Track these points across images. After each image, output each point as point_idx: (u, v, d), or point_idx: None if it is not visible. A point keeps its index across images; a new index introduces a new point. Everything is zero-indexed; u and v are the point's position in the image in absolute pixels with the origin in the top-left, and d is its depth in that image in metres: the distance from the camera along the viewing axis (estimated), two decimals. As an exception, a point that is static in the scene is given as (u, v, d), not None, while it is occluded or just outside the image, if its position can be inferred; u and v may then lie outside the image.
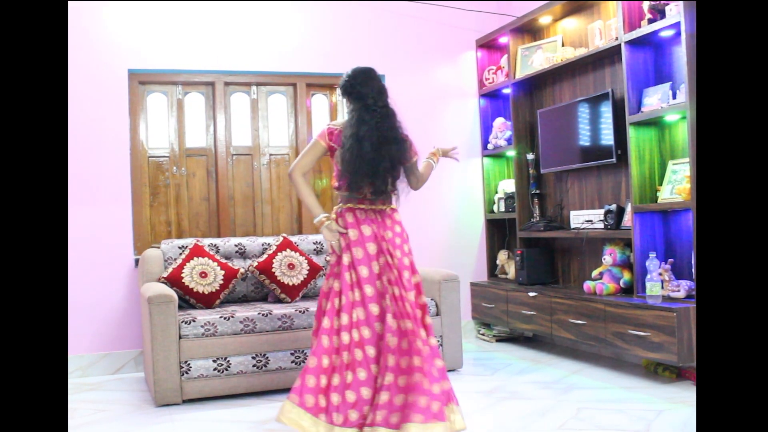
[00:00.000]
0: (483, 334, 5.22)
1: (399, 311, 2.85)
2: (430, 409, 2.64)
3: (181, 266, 4.09)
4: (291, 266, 4.30)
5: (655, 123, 3.90)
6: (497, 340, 5.13)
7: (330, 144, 3.07)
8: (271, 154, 5.00)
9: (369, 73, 3.10)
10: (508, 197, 5.09)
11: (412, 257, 3.06)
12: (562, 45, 4.76)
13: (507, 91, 5.13)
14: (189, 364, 3.64)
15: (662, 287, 3.66)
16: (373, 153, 2.94)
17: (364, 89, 3.02)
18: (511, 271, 5.10)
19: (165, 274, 4.06)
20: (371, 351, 2.85)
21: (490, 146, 5.29)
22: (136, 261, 4.51)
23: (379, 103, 3.03)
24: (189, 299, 4.06)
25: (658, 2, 3.73)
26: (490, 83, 5.30)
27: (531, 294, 4.49)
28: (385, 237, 3.00)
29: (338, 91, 3.18)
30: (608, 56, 4.26)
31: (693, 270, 3.63)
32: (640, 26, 3.87)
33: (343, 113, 5.04)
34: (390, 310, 2.85)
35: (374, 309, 2.90)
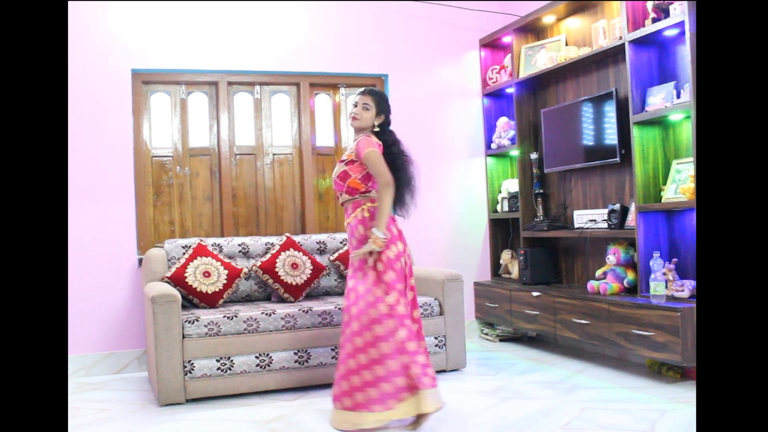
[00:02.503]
0: (486, 334, 5.21)
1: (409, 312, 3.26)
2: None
3: (185, 266, 4.10)
4: (294, 266, 4.30)
5: (659, 122, 3.89)
6: (501, 340, 5.12)
7: None
8: (274, 154, 5.01)
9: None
10: (512, 197, 5.08)
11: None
12: (566, 44, 4.75)
13: (510, 90, 5.12)
14: (192, 363, 3.64)
15: (666, 287, 3.65)
16: (409, 170, 3.35)
17: (390, 114, 3.40)
18: (515, 270, 5.09)
19: (168, 274, 4.06)
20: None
21: (493, 146, 5.28)
22: (140, 260, 4.51)
23: (391, 127, 3.41)
24: (192, 299, 4.06)
25: (662, 1, 3.72)
26: (493, 83, 5.30)
27: (534, 294, 4.48)
28: (405, 242, 3.34)
29: (371, 91, 3.39)
30: (612, 55, 4.25)
31: (697, 270, 3.62)
32: (644, 25, 3.86)
33: (347, 113, 5.04)
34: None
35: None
